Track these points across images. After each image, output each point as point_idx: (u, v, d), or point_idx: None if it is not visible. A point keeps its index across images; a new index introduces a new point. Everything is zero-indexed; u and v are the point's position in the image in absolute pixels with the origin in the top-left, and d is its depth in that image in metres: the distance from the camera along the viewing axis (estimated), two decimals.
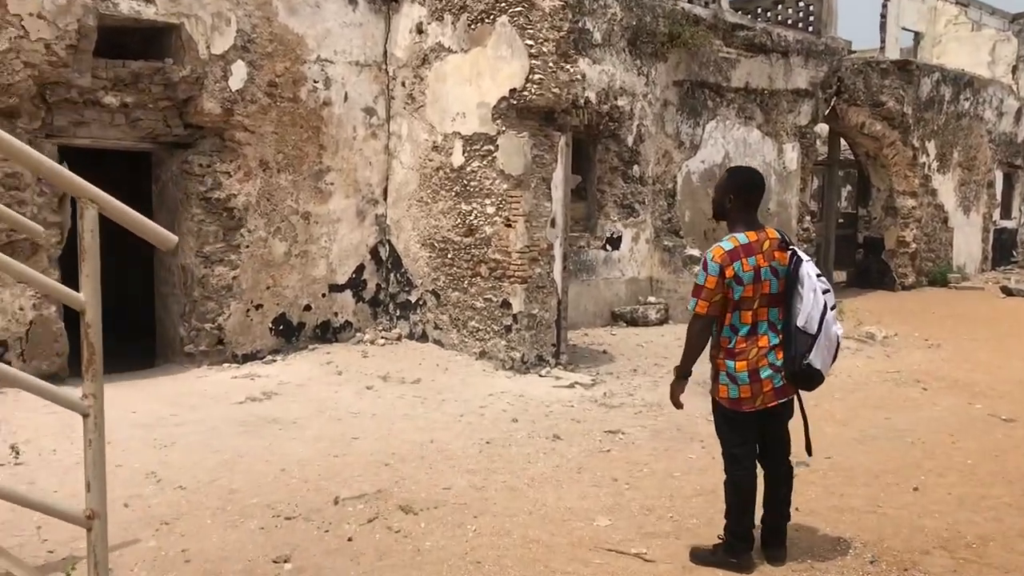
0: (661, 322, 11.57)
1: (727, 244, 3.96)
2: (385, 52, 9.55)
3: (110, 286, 9.11)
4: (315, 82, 8.97)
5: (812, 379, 3.99)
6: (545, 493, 5.14)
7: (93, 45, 7.40)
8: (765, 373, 3.97)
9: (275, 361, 8.60)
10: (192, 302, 8.39)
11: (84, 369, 2.95)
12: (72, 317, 8.27)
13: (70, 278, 8.99)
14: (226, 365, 8.37)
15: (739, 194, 4.04)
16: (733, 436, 4.10)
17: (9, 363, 7.09)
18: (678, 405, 4.17)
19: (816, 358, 3.90)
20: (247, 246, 8.55)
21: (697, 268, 4.06)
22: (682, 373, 4.11)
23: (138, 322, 9.44)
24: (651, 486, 5.34)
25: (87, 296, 2.91)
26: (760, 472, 4.20)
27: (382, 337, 9.45)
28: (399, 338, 9.53)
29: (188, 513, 4.69)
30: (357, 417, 6.72)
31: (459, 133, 8.83)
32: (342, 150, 9.26)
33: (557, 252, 8.76)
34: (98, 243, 2.93)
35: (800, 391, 4.11)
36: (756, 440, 4.12)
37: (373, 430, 6.35)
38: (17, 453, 5.42)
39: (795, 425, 4.22)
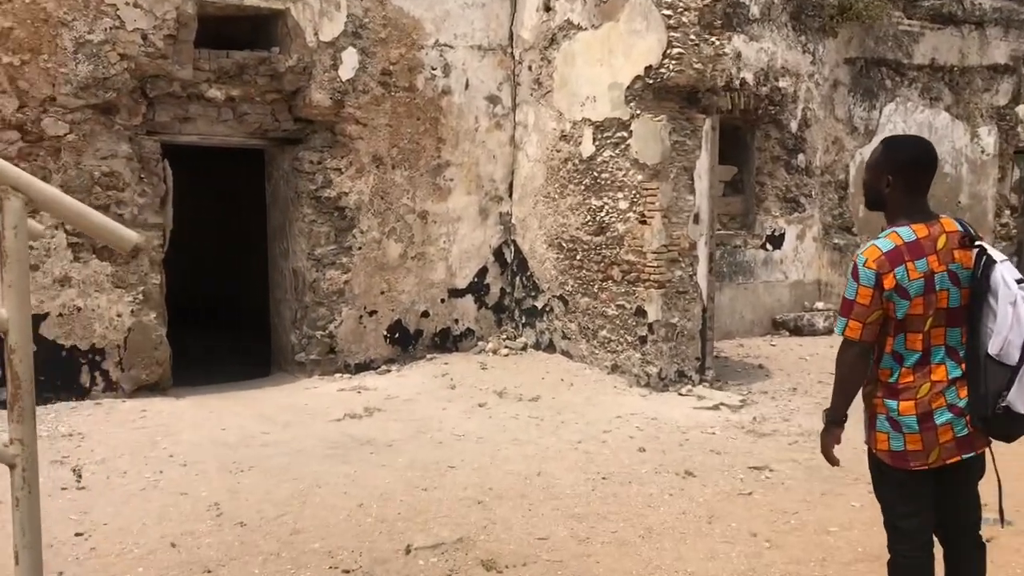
0: (830, 331, 10.22)
1: (885, 243, 2.86)
2: (510, 34, 8.81)
3: (259, 286, 8.92)
4: (433, 69, 8.34)
5: (1012, 427, 2.85)
6: (662, 550, 4.19)
7: (193, 35, 7.05)
8: (942, 418, 2.85)
9: (388, 372, 8.03)
10: (303, 308, 7.95)
11: (8, 407, 2.31)
12: (176, 325, 8.04)
13: (180, 285, 8.73)
14: (337, 375, 7.88)
15: (901, 173, 2.90)
16: (897, 503, 3.00)
17: (107, 372, 6.84)
18: (833, 461, 3.11)
19: (1018, 398, 2.76)
20: (359, 248, 8.03)
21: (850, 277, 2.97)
22: (834, 418, 3.05)
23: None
24: (798, 544, 4.28)
25: (10, 312, 2.28)
26: (938, 550, 3.08)
27: (505, 347, 8.71)
28: (524, 348, 8.76)
29: (237, 558, 4.07)
30: (460, 440, 5.98)
31: (589, 119, 7.96)
32: (463, 143, 8.59)
33: (702, 252, 7.71)
34: (25, 244, 2.30)
35: (993, 442, 2.96)
36: (930, 508, 3.00)
37: (474, 457, 5.59)
38: (79, 477, 5.01)
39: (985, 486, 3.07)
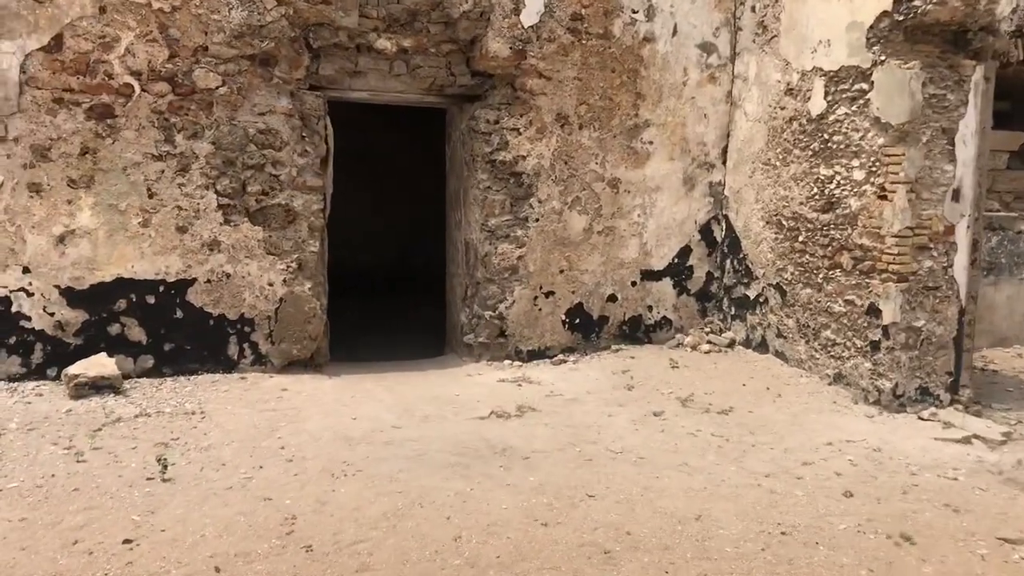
0: None
1: None
2: None
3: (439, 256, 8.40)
4: (634, 12, 7.21)
5: None
6: None
7: None
8: None
9: (564, 362, 7.09)
10: (474, 285, 7.19)
11: None
12: (359, 294, 7.61)
13: (342, 254, 8.25)
14: (506, 362, 7.06)
15: None
16: None
17: (256, 345, 6.44)
18: None
19: None
20: (537, 219, 7.12)
21: None
22: None
23: None
24: None
25: None
26: None
27: (708, 341, 7.47)
28: (731, 344, 7.47)
29: None
30: (615, 460, 4.93)
31: (820, 69, 6.50)
32: (667, 99, 7.40)
33: (962, 237, 6.06)
34: None
35: None
36: None
37: (623, 485, 4.53)
38: (165, 468, 4.52)
39: None
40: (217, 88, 6.22)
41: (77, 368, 5.77)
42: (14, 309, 5.95)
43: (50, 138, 5.91)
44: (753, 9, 7.29)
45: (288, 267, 6.51)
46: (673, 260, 7.63)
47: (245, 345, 6.47)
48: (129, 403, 5.65)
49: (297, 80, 6.52)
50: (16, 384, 5.91)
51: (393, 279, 11.86)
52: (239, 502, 4.19)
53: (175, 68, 6.11)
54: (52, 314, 6.02)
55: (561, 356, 7.19)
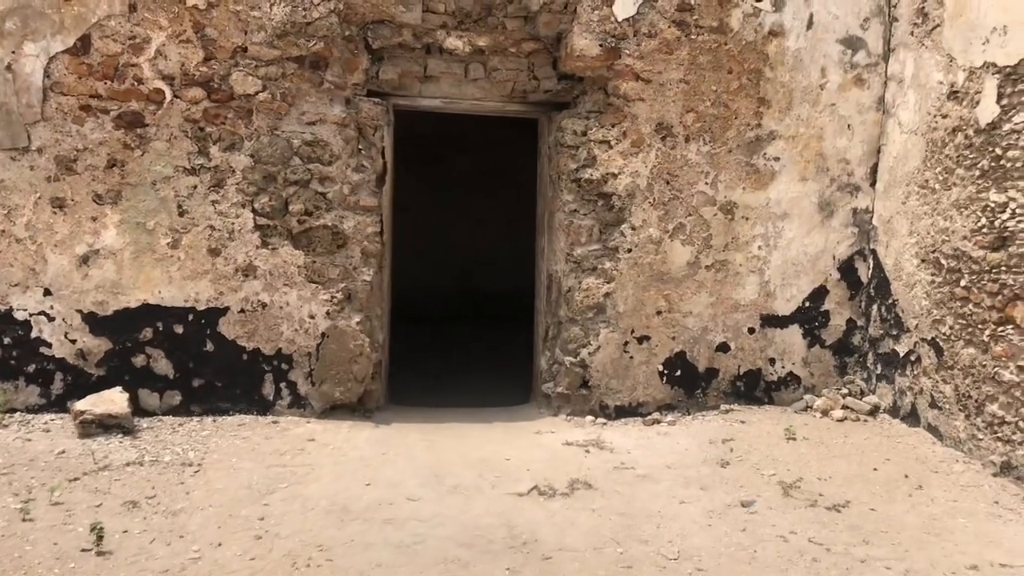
0: None
1: None
2: None
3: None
4: (756, 1, 6.03)
5: None
6: None
7: None
8: None
9: (658, 422, 5.98)
10: (556, 324, 6.22)
11: None
12: (399, 334, 6.87)
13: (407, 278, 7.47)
14: (588, 419, 6.04)
15: None
16: None
17: (294, 385, 5.76)
18: None
19: None
20: (629, 250, 6.05)
21: None
22: None
23: None
24: None
25: None
26: None
27: (844, 406, 6.12)
28: (873, 411, 6.08)
29: None
30: (663, 571, 3.81)
31: (993, 64, 5.10)
32: (798, 106, 6.15)
33: None
34: None
35: None
36: None
37: None
38: (100, 538, 3.82)
39: None
40: (257, 94, 5.61)
41: (85, 404, 5.28)
42: (34, 334, 5.55)
43: (76, 149, 5.48)
44: None
45: (332, 298, 5.79)
46: (803, 303, 6.32)
47: (282, 385, 5.80)
48: (132, 447, 5.08)
49: (354, 85, 5.83)
50: (33, 416, 5.51)
51: (498, 305, 11.07)
52: None
53: (211, 72, 5.55)
54: (74, 341, 5.58)
55: (656, 415, 6.07)
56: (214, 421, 5.63)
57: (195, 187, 5.61)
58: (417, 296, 10.45)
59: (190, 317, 5.68)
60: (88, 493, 4.39)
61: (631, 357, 6.12)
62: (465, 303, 11.34)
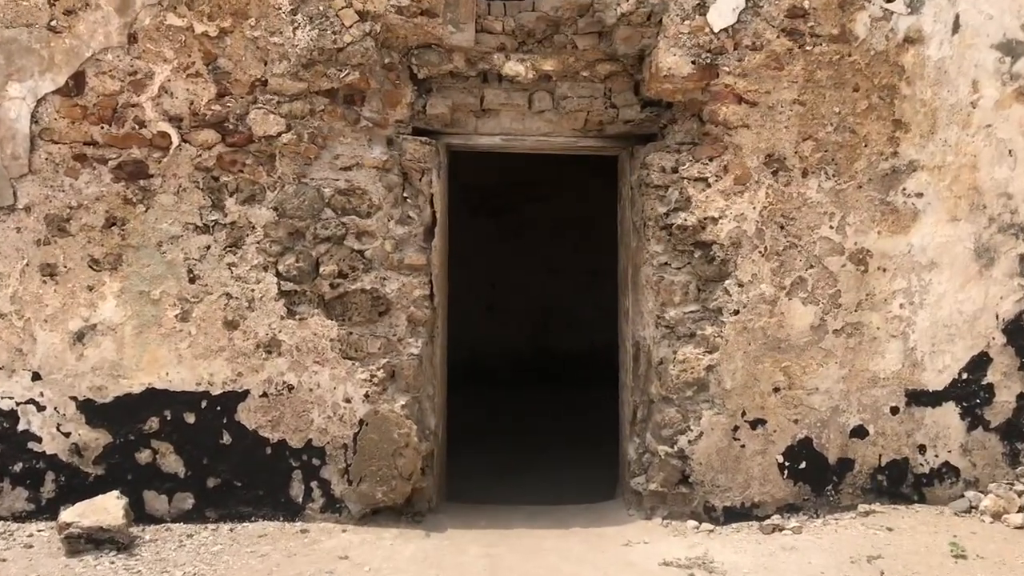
0: None
1: None
2: None
3: None
4: (887, 2, 4.95)
5: None
6: None
7: None
8: None
9: (779, 529, 4.82)
10: (647, 404, 5.15)
11: None
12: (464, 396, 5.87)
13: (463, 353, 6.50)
14: (690, 523, 4.92)
15: None
16: None
17: (327, 484, 4.81)
18: None
19: None
20: (735, 311, 4.96)
21: None
22: None
23: None
24: None
25: None
26: None
27: (1022, 508, 4.84)
28: None
29: None
30: None
31: None
32: (944, 129, 5.02)
33: None
34: None
35: None
36: None
37: None
38: None
39: None
40: (280, 135, 4.77)
41: (72, 514, 4.41)
42: (21, 427, 4.75)
43: (69, 206, 4.72)
44: None
45: (373, 376, 4.84)
46: (959, 375, 5.10)
47: (313, 484, 4.85)
48: (125, 570, 4.18)
49: (397, 123, 4.96)
50: (18, 526, 4.69)
51: (577, 366, 10.10)
52: None
53: (225, 110, 4.74)
54: (67, 434, 4.76)
55: (775, 518, 4.90)
56: (231, 530, 4.70)
57: (208, 248, 4.77)
58: (486, 354, 9.62)
59: (203, 404, 4.80)
60: None
61: (742, 446, 4.98)
62: (539, 362, 10.38)
